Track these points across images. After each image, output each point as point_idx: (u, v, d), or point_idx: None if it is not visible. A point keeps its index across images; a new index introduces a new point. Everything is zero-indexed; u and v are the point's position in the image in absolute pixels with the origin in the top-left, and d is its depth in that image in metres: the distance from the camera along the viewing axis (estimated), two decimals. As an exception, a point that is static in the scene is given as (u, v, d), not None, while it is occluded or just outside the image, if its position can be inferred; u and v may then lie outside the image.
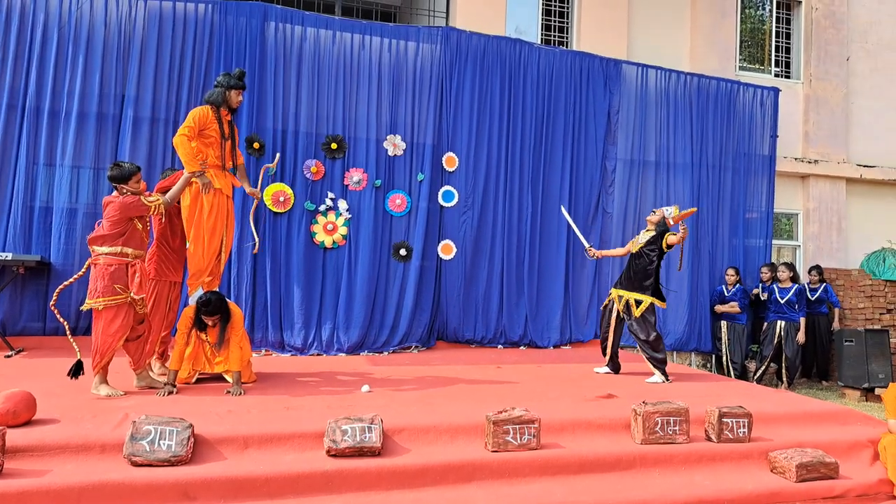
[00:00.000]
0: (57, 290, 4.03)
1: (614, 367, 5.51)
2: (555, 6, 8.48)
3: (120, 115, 6.14)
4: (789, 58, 9.51)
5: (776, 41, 9.45)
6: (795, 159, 8.98)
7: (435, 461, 3.26)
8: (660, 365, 5.19)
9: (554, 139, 7.44)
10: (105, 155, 6.10)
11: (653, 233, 5.29)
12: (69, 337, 4.00)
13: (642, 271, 5.26)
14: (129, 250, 3.93)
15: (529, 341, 7.20)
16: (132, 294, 3.96)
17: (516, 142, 7.28)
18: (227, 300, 4.31)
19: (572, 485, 3.31)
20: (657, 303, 5.28)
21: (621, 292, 5.37)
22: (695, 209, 5.86)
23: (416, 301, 6.77)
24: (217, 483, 2.93)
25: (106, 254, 3.87)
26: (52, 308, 3.97)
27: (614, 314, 5.37)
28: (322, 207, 6.55)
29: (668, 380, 5.18)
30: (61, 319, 4.02)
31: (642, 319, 5.23)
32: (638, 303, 5.24)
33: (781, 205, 8.91)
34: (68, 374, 3.93)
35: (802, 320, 7.44)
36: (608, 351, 5.47)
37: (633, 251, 5.37)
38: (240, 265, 6.22)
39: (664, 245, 5.18)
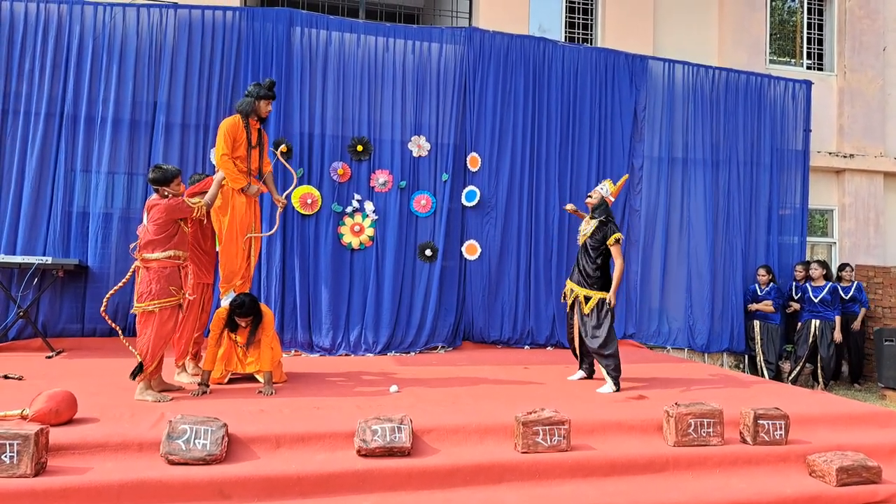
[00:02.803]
0: (106, 297, 4.10)
1: (588, 371, 5.06)
2: (578, 3, 8.41)
3: (152, 122, 6.28)
4: (822, 50, 9.25)
5: (808, 33, 9.22)
6: (830, 154, 8.74)
7: (464, 462, 3.26)
8: (612, 372, 4.65)
9: (580, 137, 7.37)
10: (139, 161, 6.25)
11: (596, 221, 4.79)
12: (123, 340, 4.07)
13: (590, 266, 4.77)
14: (181, 252, 4.01)
15: (556, 342, 7.15)
16: (186, 294, 4.05)
17: (541, 141, 7.24)
18: (259, 302, 4.38)
19: (604, 487, 3.28)
20: (606, 296, 4.72)
21: (572, 286, 4.86)
22: (626, 176, 5.37)
23: (442, 301, 6.78)
24: (251, 481, 2.98)
25: (159, 258, 3.91)
26: (103, 314, 4.02)
27: (576, 311, 4.86)
28: (349, 209, 6.61)
29: (618, 389, 4.61)
30: (113, 325, 4.12)
31: (592, 317, 4.71)
32: (587, 299, 4.74)
33: (816, 201, 8.68)
34: (131, 376, 3.99)
35: (838, 319, 7.24)
36: (577, 353, 5.00)
37: (580, 242, 4.88)
38: (269, 267, 6.31)
39: (608, 244, 4.72)
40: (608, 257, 4.81)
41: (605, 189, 4.91)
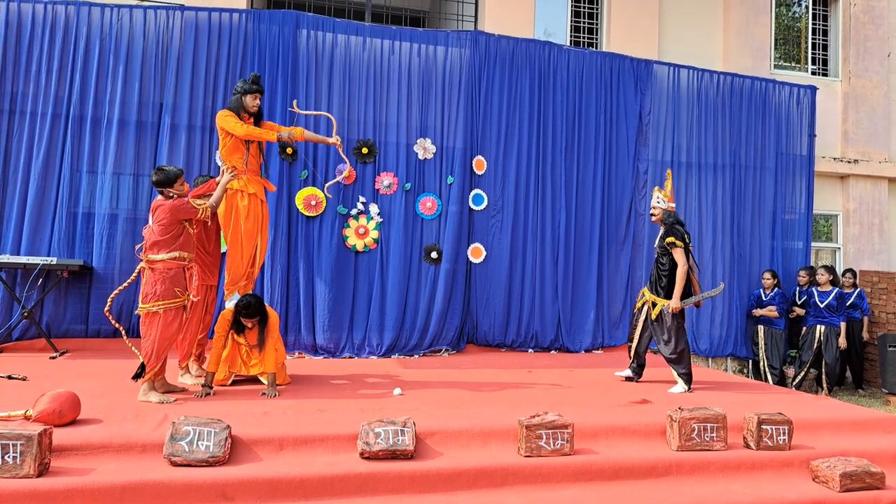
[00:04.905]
0: (111, 297, 4.16)
1: (636, 371, 5.26)
2: (584, 7, 8.42)
3: (158, 123, 6.30)
4: (826, 55, 9.25)
5: (812, 38, 9.21)
6: (834, 159, 8.73)
7: (468, 465, 3.25)
8: (683, 376, 4.92)
9: (585, 141, 7.38)
10: (144, 162, 6.27)
11: (664, 228, 5.01)
12: (126, 340, 4.10)
13: (659, 272, 5.00)
14: (185, 254, 4.02)
15: (561, 345, 7.14)
16: (191, 295, 4.06)
17: (546, 144, 7.24)
18: (264, 303, 4.39)
19: (606, 491, 3.27)
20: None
21: (645, 291, 5.15)
22: (669, 171, 5.43)
23: (446, 304, 6.76)
24: (253, 484, 2.98)
25: (164, 259, 3.93)
26: (107, 314, 4.08)
27: (643, 315, 5.13)
28: (353, 211, 6.62)
29: (689, 389, 4.90)
30: (117, 325, 4.15)
31: (659, 324, 4.96)
32: (654, 305, 5.00)
33: (820, 206, 8.66)
34: (134, 378, 4.01)
35: (843, 325, 7.22)
36: (632, 353, 5.26)
37: (656, 255, 5.13)
38: (273, 269, 6.31)
39: (667, 247, 4.92)
40: (670, 264, 4.96)
41: (660, 199, 5.02)
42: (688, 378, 4.95)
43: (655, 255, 5.10)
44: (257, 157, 4.70)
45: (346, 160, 5.46)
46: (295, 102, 5.49)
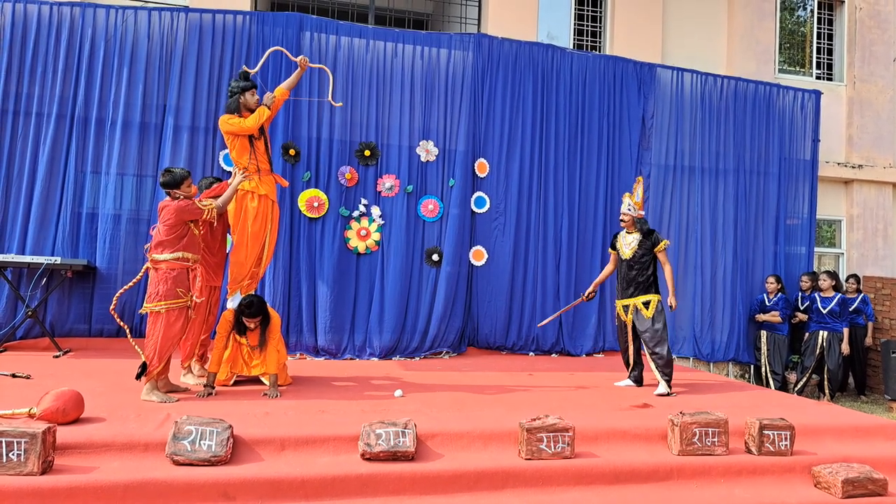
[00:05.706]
0: (116, 295, 4.17)
1: (637, 379, 5.28)
2: (587, 11, 8.44)
3: (162, 125, 6.33)
4: (831, 59, 9.24)
5: (817, 43, 9.21)
6: (838, 164, 8.72)
7: (468, 467, 3.26)
8: (666, 376, 4.93)
9: (588, 145, 7.38)
10: (148, 163, 6.29)
11: (638, 235, 5.13)
12: (130, 339, 4.12)
13: (640, 275, 5.08)
14: (189, 255, 4.04)
15: (562, 349, 7.14)
16: (194, 297, 4.08)
17: (549, 147, 7.25)
18: (266, 303, 4.40)
19: (607, 495, 3.27)
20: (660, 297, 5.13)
21: (626, 301, 5.17)
22: (639, 178, 5.49)
23: (448, 307, 6.76)
24: (255, 483, 2.99)
25: (167, 260, 3.95)
26: (112, 312, 4.11)
27: (629, 325, 5.17)
28: (356, 213, 6.63)
29: (671, 392, 4.92)
30: (122, 323, 4.17)
31: (656, 320, 5.01)
32: (646, 304, 5.06)
33: (823, 211, 8.64)
34: (137, 377, 4.04)
35: (846, 330, 7.20)
36: (630, 362, 5.29)
37: (627, 257, 5.15)
38: (275, 270, 6.33)
39: (657, 252, 5.11)
40: (656, 265, 5.17)
41: (631, 207, 5.16)
42: (670, 379, 5.00)
43: (627, 259, 5.14)
44: (265, 154, 4.71)
45: (313, 65, 5.24)
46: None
